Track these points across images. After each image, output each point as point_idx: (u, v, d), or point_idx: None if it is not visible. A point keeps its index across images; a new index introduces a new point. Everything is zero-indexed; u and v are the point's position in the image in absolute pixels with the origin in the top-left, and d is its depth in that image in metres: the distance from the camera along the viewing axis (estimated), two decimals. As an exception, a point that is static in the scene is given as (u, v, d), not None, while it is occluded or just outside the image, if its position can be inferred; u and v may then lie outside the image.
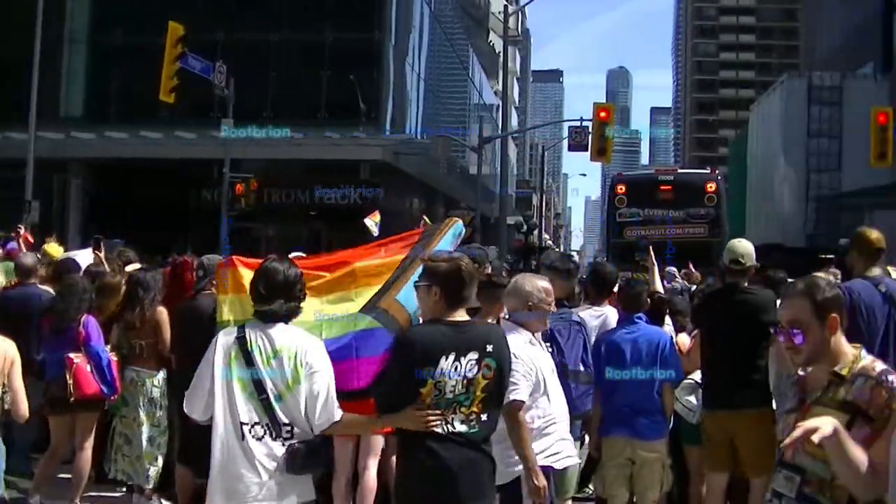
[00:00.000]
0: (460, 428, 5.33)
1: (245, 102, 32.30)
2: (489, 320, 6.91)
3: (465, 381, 5.33)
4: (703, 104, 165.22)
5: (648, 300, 8.51)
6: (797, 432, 3.58)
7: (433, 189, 47.00)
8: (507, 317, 6.77)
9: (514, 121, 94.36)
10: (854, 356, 3.96)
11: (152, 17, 34.04)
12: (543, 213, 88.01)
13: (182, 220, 37.08)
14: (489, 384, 5.41)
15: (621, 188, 31.08)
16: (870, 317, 7.17)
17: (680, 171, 40.19)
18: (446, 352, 5.30)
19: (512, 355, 5.73)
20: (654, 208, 29.85)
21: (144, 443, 9.03)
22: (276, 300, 5.50)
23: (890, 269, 9.81)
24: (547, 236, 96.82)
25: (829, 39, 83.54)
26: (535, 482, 6.11)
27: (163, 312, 9.25)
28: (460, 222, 7.38)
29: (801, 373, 4.16)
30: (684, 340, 9.26)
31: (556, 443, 6.53)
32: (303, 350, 5.46)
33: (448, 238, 7.07)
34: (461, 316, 5.48)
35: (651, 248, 10.80)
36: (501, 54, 55.86)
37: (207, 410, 5.53)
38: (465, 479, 5.32)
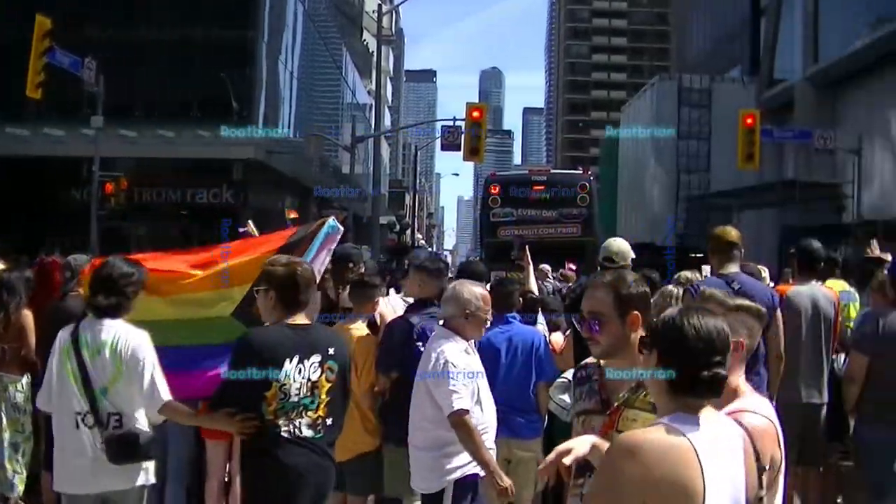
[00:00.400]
0: (307, 433, 5.50)
1: (116, 99, 31.45)
2: (359, 320, 7.58)
3: (309, 384, 5.50)
4: (575, 105, 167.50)
5: (521, 299, 8.55)
6: (550, 456, 3.52)
7: (306, 188, 46.47)
8: (442, 323, 6.75)
9: (387, 120, 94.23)
10: None
11: (19, 11, 32.81)
12: (416, 213, 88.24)
13: (50, 220, 35.99)
14: (332, 387, 5.61)
15: (495, 188, 31.44)
16: None
17: (553, 171, 40.88)
18: (290, 354, 5.44)
19: (450, 364, 6.06)
20: (528, 208, 30.27)
21: (7, 450, 8.74)
22: (99, 294, 5.80)
23: (761, 267, 9.86)
24: (420, 236, 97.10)
25: (699, 43, 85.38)
26: (500, 483, 6.19)
27: (28, 316, 9.03)
28: (332, 219, 7.29)
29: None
30: (558, 339, 9.24)
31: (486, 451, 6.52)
32: (124, 344, 5.72)
33: (321, 237, 7.05)
34: (301, 319, 5.67)
35: (527, 246, 10.85)
36: (375, 54, 55.62)
37: (51, 402, 5.92)
38: (311, 483, 5.49)
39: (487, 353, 7.60)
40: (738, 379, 3.65)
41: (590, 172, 40.20)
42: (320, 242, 7.03)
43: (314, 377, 5.51)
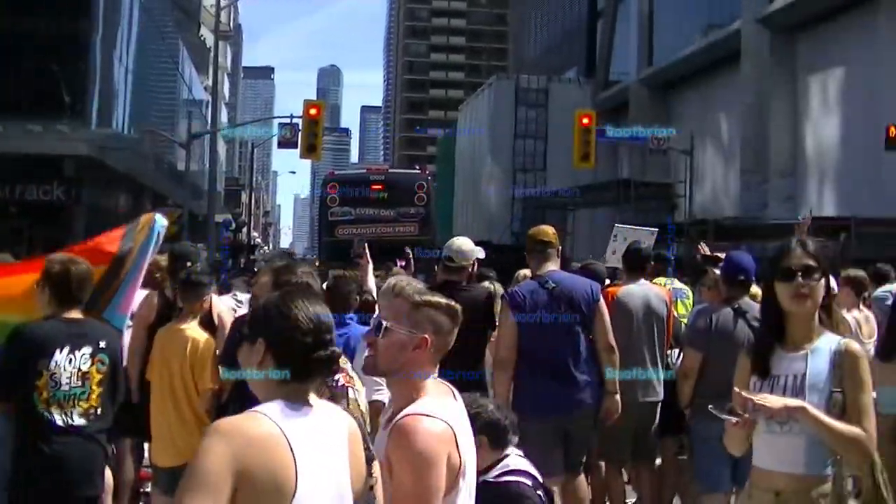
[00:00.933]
0: (79, 421, 5.71)
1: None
2: (189, 319, 7.40)
3: (80, 374, 5.73)
4: (413, 104, 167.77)
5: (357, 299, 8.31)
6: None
7: (141, 185, 45.23)
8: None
9: (224, 117, 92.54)
10: None
11: None
12: (252, 211, 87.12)
13: None
14: (103, 379, 5.85)
15: (333, 187, 31.17)
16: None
17: (391, 170, 40.96)
18: (61, 345, 5.67)
19: None
20: (366, 207, 30.12)
21: None
22: None
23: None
24: (256, 234, 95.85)
25: (537, 44, 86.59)
26: None
27: None
28: (159, 216, 7.14)
29: None
30: None
31: None
32: None
33: (153, 236, 6.97)
34: (76, 314, 5.85)
35: (366, 245, 10.65)
36: (212, 49, 54.49)
37: None
38: (83, 470, 5.73)
39: None
40: (428, 379, 3.47)
41: (427, 172, 40.19)
42: (154, 243, 6.99)
43: (84, 367, 5.73)
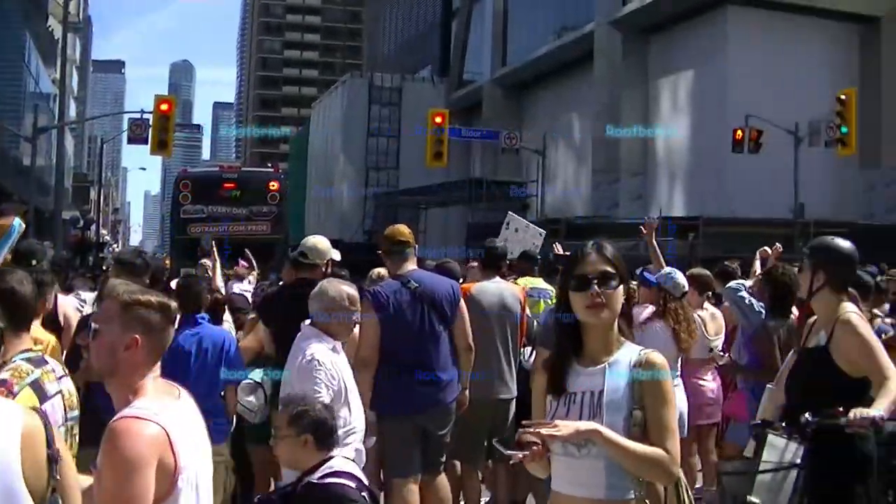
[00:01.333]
0: None
1: None
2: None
3: None
4: (266, 101, 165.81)
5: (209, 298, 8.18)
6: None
7: (-15, 180, 43.15)
8: (309, 322, 6.46)
9: (72, 111, 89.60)
10: None
11: None
12: (101, 208, 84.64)
13: None
14: None
15: (186, 185, 31.04)
16: (399, 314, 7.11)
17: (244, 169, 40.75)
18: None
19: (316, 361, 5.91)
20: (219, 205, 30.01)
21: None
22: None
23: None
24: (105, 231, 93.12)
25: (391, 42, 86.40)
26: None
27: None
28: (18, 220, 6.68)
29: None
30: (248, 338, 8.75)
31: (354, 453, 6.11)
32: None
33: (13, 235, 6.57)
34: None
35: (214, 244, 10.51)
36: (60, 41, 52.48)
37: None
38: None
39: (176, 356, 6.99)
40: (146, 379, 3.31)
41: (280, 170, 39.83)
42: (9, 244, 6.58)
43: None
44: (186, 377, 6.73)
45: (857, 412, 4.76)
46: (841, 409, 4.85)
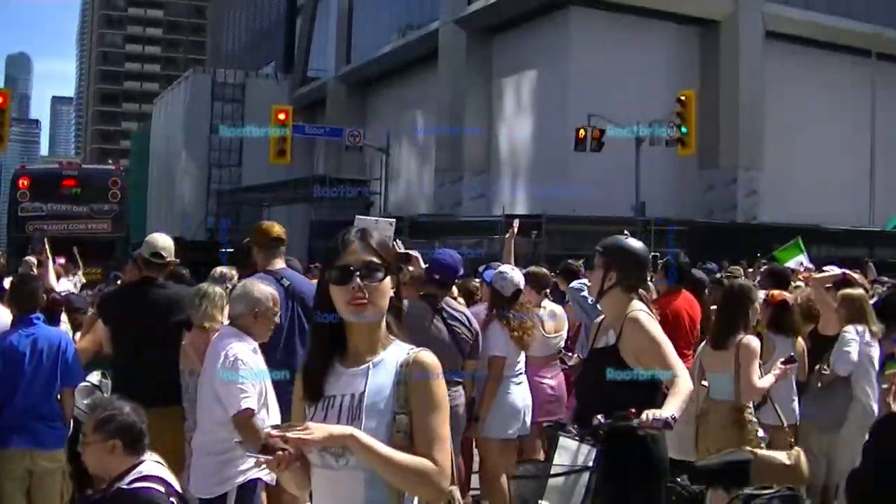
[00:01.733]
0: None
1: None
2: None
3: None
4: (106, 95, 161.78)
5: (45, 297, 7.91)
6: None
7: None
8: (228, 322, 6.45)
9: None
10: None
11: None
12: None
13: None
14: None
15: (24, 182, 30.47)
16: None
17: (85, 166, 40.27)
18: None
19: (240, 362, 5.87)
20: (59, 203, 29.60)
21: None
22: None
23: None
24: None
25: (235, 38, 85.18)
26: None
27: None
28: None
29: None
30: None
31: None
32: None
33: None
34: None
35: (46, 240, 10.31)
36: None
37: None
38: None
39: (9, 358, 6.99)
40: None
41: (121, 168, 39.49)
42: None
43: None
44: (20, 379, 6.89)
45: (648, 413, 4.66)
46: (633, 410, 4.75)
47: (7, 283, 9.05)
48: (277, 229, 7.48)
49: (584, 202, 34.36)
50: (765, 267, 12.87)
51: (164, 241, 7.77)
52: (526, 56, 42.13)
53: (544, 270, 9.67)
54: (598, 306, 8.17)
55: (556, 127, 37.48)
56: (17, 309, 7.31)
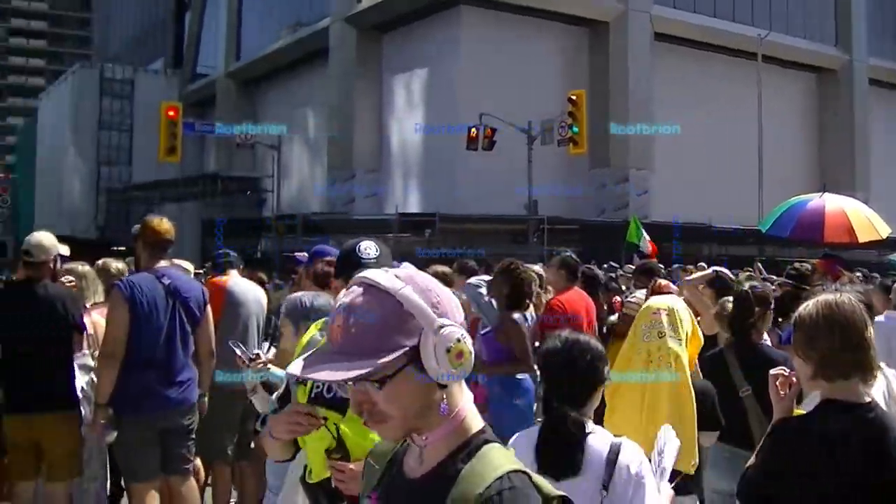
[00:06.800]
0: None
1: None
2: None
3: None
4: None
5: None
6: None
7: None
8: None
9: None
10: None
11: None
12: None
13: None
14: None
15: None
16: (151, 310, 6.83)
17: None
18: None
19: None
20: None
21: None
22: None
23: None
24: None
25: (123, 33, 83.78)
26: None
27: None
28: None
29: None
30: None
31: None
32: None
33: None
34: None
35: None
36: None
37: None
38: None
39: None
40: None
41: (7, 170, 39.94)
42: None
43: None
44: None
45: None
46: None
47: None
48: (165, 227, 7.27)
49: (476, 201, 34.61)
50: (637, 264, 13.23)
51: (38, 240, 7.48)
52: (416, 54, 42.23)
53: (447, 269, 9.72)
54: (495, 305, 8.10)
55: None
56: None
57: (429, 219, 32.60)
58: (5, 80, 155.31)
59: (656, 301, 5.13)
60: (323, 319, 4.29)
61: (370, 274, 2.02)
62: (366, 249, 3.69)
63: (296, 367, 2.00)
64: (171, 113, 33.85)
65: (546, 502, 2.00)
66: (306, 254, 8.06)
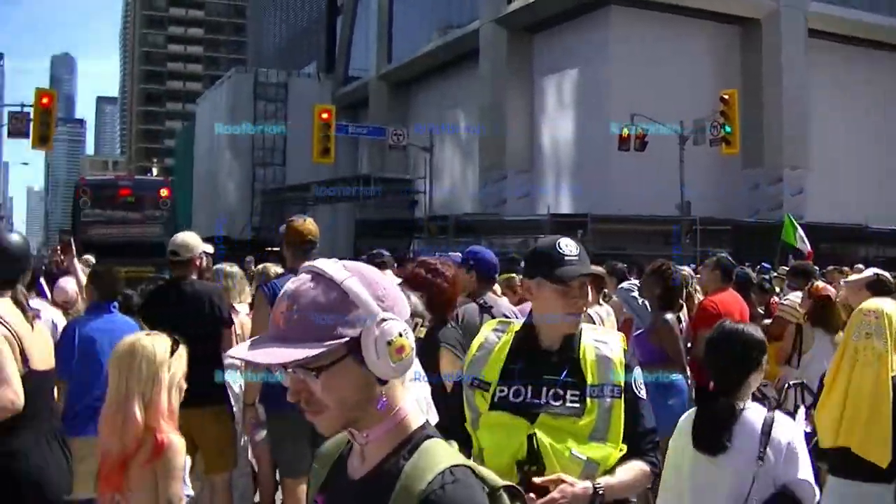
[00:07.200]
0: None
1: None
2: None
3: None
4: (150, 95, 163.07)
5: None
6: None
7: None
8: None
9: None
10: None
11: None
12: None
13: None
14: None
15: (86, 190, 32.90)
16: None
17: (138, 177, 44.55)
18: None
19: None
20: (116, 210, 32.07)
21: None
22: None
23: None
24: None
25: (276, 38, 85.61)
26: None
27: None
28: None
29: None
30: None
31: None
32: None
33: None
34: None
35: (73, 241, 10.31)
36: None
37: None
38: None
39: (87, 346, 6.99)
40: None
41: (170, 179, 42.79)
42: None
43: None
44: (99, 367, 6.59)
45: None
46: None
47: (67, 281, 9.26)
48: (309, 228, 7.33)
49: (627, 201, 34.37)
50: (791, 266, 12.99)
51: (182, 240, 7.72)
52: (567, 55, 42.13)
53: (602, 270, 9.71)
54: (649, 308, 8.42)
55: (598, 126, 37.50)
56: (98, 296, 7.37)
57: (581, 219, 32.49)
58: (164, 85, 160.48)
59: (868, 303, 5.17)
60: (497, 319, 4.21)
61: (318, 263, 2.02)
62: (566, 246, 3.55)
63: (238, 350, 2.01)
64: (324, 115, 34.44)
65: (492, 493, 2.00)
66: (459, 254, 8.25)
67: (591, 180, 38.40)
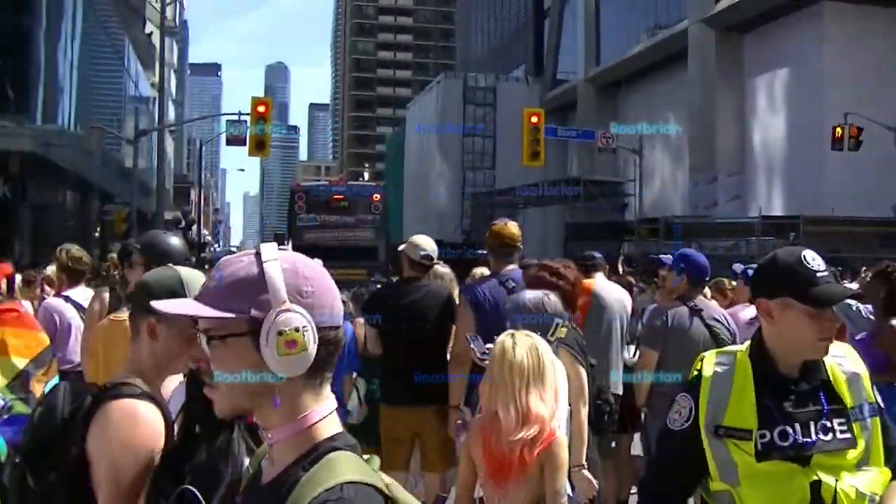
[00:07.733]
0: None
1: None
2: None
3: None
4: (361, 101, 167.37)
5: None
6: None
7: (87, 182, 44.59)
8: None
9: (171, 114, 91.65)
10: None
11: None
12: (202, 209, 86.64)
13: None
14: None
15: (300, 196, 34.94)
16: (492, 314, 6.76)
17: (351, 183, 46.31)
18: None
19: None
20: (330, 215, 33.68)
21: None
22: None
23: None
24: (206, 231, 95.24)
25: (483, 42, 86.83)
26: None
27: None
28: None
29: None
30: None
31: None
32: None
33: None
34: None
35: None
36: (158, 45, 53.95)
37: None
38: None
39: None
40: None
41: (381, 184, 43.73)
42: None
43: None
44: None
45: None
46: None
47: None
48: (509, 231, 7.31)
49: (841, 202, 33.78)
50: None
51: (432, 244, 7.76)
52: (777, 53, 41.46)
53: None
54: (864, 313, 8.09)
55: (811, 125, 36.95)
56: None
57: (792, 221, 32.07)
58: (374, 91, 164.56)
59: None
60: (712, 352, 3.64)
61: (263, 244, 2.02)
62: (814, 260, 3.11)
63: (161, 303, 2.06)
64: (533, 119, 34.82)
65: None
66: (671, 256, 8.30)
67: (803, 181, 37.80)
